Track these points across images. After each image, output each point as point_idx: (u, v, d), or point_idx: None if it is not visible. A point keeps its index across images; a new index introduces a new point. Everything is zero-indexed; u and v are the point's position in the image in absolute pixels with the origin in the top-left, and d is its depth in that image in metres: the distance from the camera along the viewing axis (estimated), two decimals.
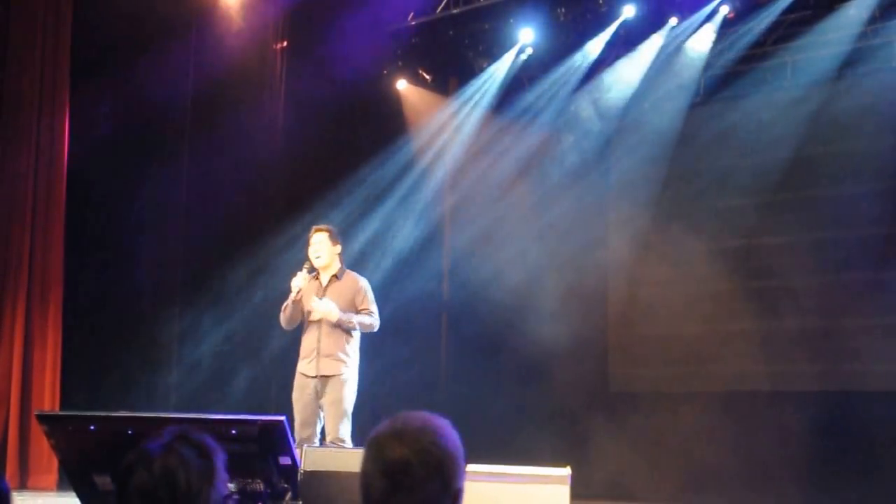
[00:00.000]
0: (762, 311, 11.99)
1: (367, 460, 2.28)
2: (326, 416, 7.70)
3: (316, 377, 7.72)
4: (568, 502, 7.35)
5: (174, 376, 11.30)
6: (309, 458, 6.30)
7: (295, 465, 5.77)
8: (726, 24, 12.05)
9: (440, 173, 13.59)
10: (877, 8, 11.26)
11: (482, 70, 13.16)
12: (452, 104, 13.58)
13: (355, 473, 6.55)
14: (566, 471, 7.37)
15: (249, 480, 5.70)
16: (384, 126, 13.21)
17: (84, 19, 10.54)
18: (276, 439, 5.64)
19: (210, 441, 2.64)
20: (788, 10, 11.60)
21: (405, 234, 12.93)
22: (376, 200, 12.65)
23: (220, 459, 2.63)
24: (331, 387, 7.69)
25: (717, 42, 12.18)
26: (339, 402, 7.65)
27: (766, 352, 11.83)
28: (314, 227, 8.02)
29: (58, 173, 10.29)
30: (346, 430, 7.64)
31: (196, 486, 2.53)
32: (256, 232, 11.65)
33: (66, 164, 10.34)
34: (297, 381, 7.84)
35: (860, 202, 11.41)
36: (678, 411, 12.05)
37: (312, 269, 7.92)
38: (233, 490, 2.71)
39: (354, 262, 11.23)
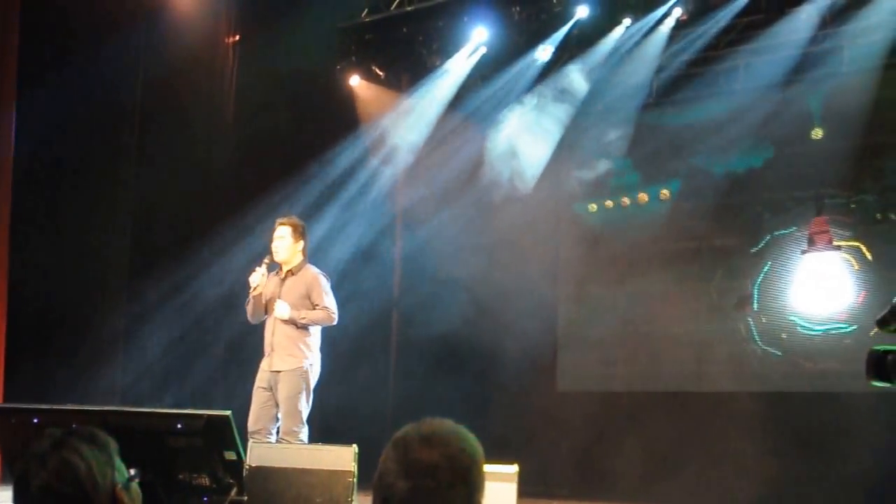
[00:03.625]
0: (711, 312, 12.08)
1: (390, 460, 2.23)
2: (280, 412, 7.63)
3: (270, 372, 7.67)
4: (515, 500, 7.37)
5: (121, 370, 11.20)
6: (254, 453, 6.27)
7: (240, 459, 5.73)
8: (679, 27, 12.12)
9: (392, 170, 13.57)
10: (828, 13, 11.38)
11: (435, 67, 13.15)
12: (405, 101, 13.55)
13: (301, 469, 6.54)
14: (513, 468, 7.38)
15: (195, 475, 5.66)
16: (336, 122, 13.16)
17: (33, 14, 10.41)
18: (221, 434, 5.61)
19: (100, 431, 2.57)
20: (741, 14, 11.68)
21: (357, 231, 12.88)
22: (328, 196, 12.59)
23: (113, 447, 2.56)
24: (284, 382, 7.61)
25: (669, 44, 12.24)
26: (291, 397, 7.57)
27: (715, 352, 11.92)
28: (278, 220, 7.85)
29: (4, 168, 10.16)
30: (298, 425, 7.55)
31: (100, 474, 2.46)
32: (206, 226, 11.58)
33: (13, 159, 10.21)
34: (258, 375, 7.78)
35: (808, 206, 11.51)
36: (625, 410, 12.12)
37: (273, 264, 7.81)
38: (133, 473, 2.61)
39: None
